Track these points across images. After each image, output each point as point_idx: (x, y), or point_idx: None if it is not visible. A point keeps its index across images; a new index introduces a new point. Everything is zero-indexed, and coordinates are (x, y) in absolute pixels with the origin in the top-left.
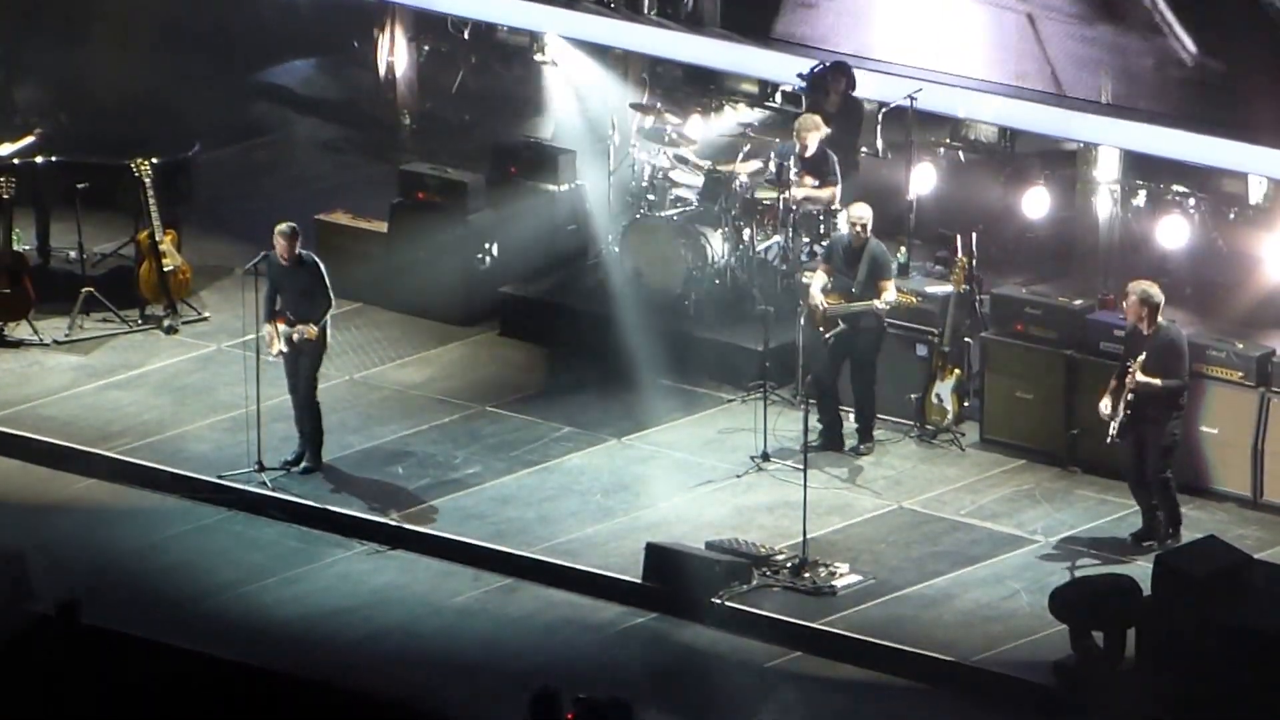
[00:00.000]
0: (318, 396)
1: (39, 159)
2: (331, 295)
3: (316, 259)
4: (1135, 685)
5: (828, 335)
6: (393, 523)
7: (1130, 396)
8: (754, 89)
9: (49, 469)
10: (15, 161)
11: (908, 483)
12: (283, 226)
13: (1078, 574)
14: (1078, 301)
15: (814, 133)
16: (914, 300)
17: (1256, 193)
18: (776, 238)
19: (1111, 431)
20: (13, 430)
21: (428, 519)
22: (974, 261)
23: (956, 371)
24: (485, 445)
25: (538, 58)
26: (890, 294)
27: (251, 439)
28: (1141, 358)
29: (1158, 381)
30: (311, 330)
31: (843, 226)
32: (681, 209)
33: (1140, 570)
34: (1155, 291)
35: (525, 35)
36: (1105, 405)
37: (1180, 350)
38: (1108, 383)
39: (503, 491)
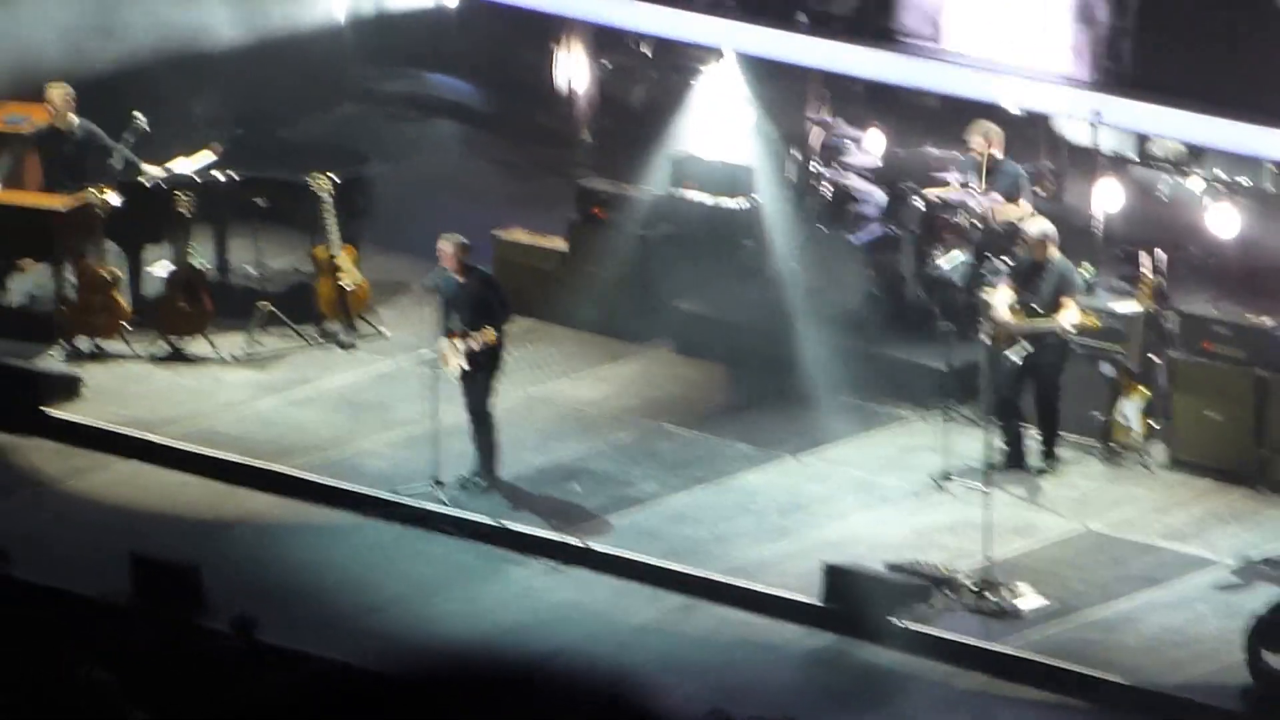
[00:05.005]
0: (492, 411)
1: (219, 175)
2: (509, 308)
3: (489, 273)
4: None
5: (1011, 354)
6: (570, 540)
7: None
8: (935, 104)
9: (225, 484)
10: (196, 179)
11: (1093, 503)
12: (447, 235)
13: (1269, 598)
14: (1268, 320)
15: (978, 138)
16: (1096, 322)
17: None
18: (960, 255)
19: None
20: (189, 445)
21: (604, 536)
22: (1162, 279)
23: (1142, 390)
24: (661, 462)
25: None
26: (1073, 314)
27: (429, 455)
28: None
29: None
30: (490, 334)
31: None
32: (863, 226)
33: None
34: None
35: (707, 51)
36: None
37: None
38: None
39: (678, 509)
